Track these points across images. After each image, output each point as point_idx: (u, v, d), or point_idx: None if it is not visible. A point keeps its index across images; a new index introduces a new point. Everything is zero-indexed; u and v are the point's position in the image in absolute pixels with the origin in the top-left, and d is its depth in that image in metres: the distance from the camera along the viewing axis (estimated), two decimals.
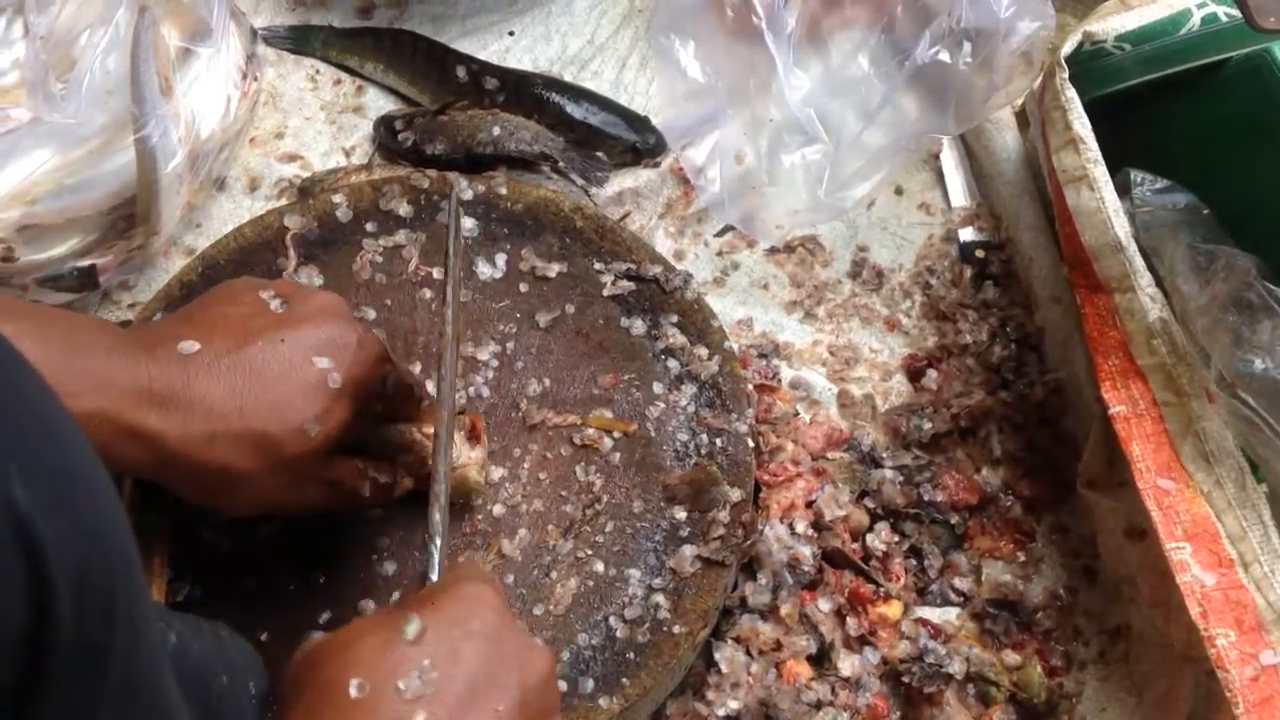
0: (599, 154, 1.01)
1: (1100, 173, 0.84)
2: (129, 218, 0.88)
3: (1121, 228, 0.83)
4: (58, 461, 0.38)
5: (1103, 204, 0.83)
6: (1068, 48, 0.88)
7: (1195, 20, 0.87)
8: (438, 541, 0.62)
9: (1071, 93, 0.86)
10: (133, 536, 0.42)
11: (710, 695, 0.80)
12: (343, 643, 0.55)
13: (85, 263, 0.87)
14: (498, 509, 0.80)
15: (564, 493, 0.81)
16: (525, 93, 1.03)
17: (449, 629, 0.54)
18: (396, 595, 0.76)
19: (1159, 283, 0.82)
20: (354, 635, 0.55)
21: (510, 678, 0.55)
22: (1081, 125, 0.85)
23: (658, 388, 0.85)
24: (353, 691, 0.51)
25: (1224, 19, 0.86)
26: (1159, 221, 0.82)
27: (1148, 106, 0.89)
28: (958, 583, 0.87)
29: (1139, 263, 0.82)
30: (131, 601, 0.41)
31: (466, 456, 0.78)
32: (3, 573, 0.35)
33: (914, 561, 0.88)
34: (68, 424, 0.39)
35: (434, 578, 0.62)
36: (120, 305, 0.94)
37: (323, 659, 0.54)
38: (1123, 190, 0.84)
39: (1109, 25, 0.88)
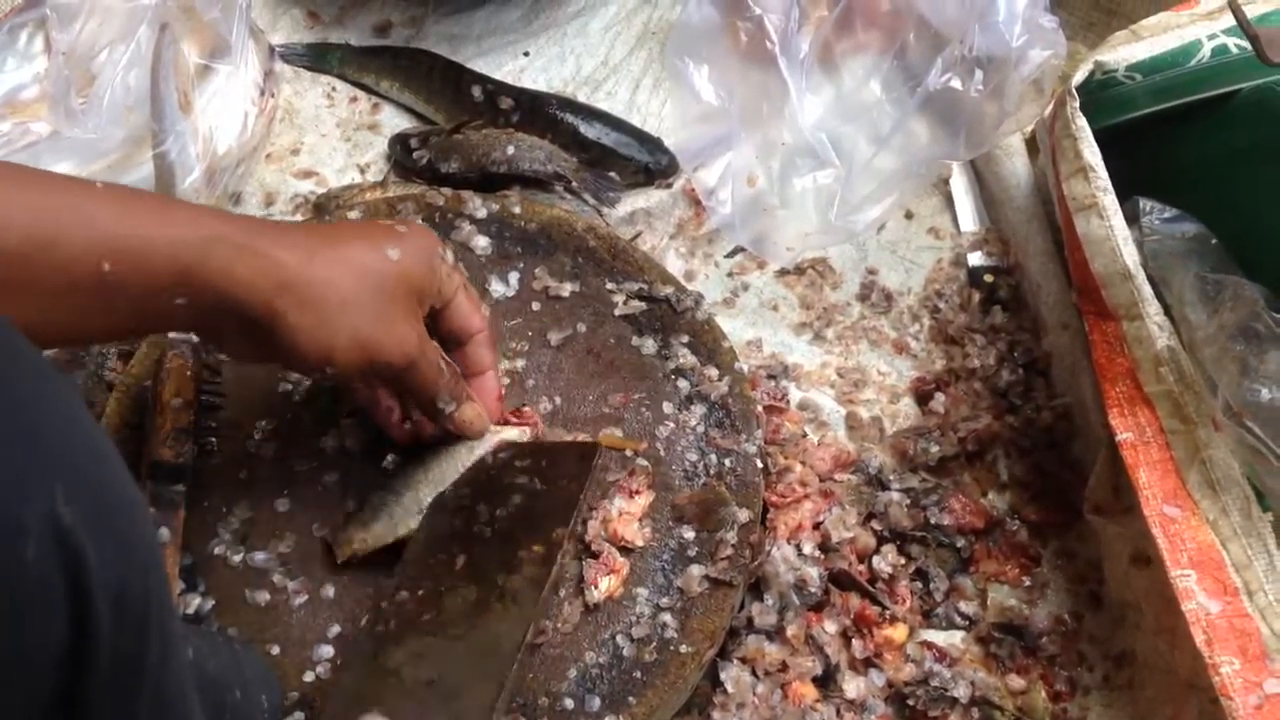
0: (612, 174, 1.02)
1: (1110, 201, 0.85)
2: None
3: (1130, 256, 0.83)
4: (99, 481, 0.39)
5: (1112, 232, 0.84)
6: (1079, 77, 0.88)
7: (1205, 51, 0.87)
8: None
9: (1082, 121, 0.86)
10: (163, 555, 0.43)
11: (716, 715, 0.80)
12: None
13: None
14: None
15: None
16: (540, 112, 1.04)
17: None
18: None
19: (1167, 311, 0.82)
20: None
21: None
22: (1091, 154, 0.86)
23: (668, 407, 0.85)
24: None
25: (1234, 51, 0.86)
26: (1167, 250, 0.83)
27: (1157, 136, 0.90)
28: (963, 606, 0.87)
29: (1147, 291, 0.82)
30: (163, 617, 0.42)
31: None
32: (47, 588, 0.36)
33: (920, 584, 0.88)
34: (107, 444, 0.40)
35: None
36: None
37: None
38: (1132, 218, 0.85)
39: (1120, 55, 0.89)
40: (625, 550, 0.79)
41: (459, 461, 0.79)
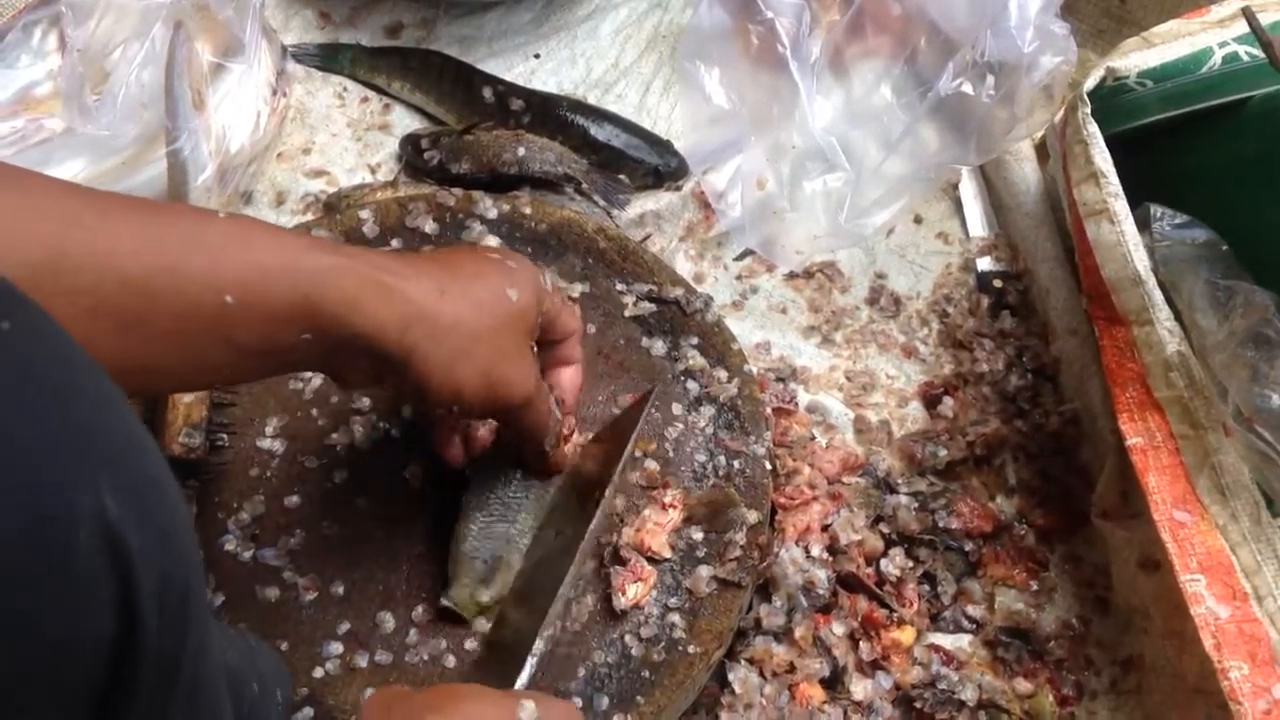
0: (621, 176, 1.02)
1: (1121, 207, 0.85)
2: None
3: (1141, 261, 0.83)
4: (139, 470, 0.39)
5: (1123, 237, 0.84)
6: (1090, 83, 0.88)
7: (1217, 59, 0.87)
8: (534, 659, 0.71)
9: (1093, 127, 0.87)
10: (199, 547, 0.43)
11: (723, 715, 0.80)
12: (448, 701, 0.61)
13: None
14: None
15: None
16: (550, 114, 1.04)
17: None
18: (419, 610, 0.77)
19: (1177, 316, 0.82)
20: (459, 698, 0.61)
21: None
22: (1103, 159, 0.86)
23: (677, 409, 0.86)
24: None
25: (1245, 58, 0.86)
26: (1178, 256, 0.83)
27: (1168, 142, 0.90)
28: (971, 610, 0.87)
29: (1158, 296, 0.82)
30: (200, 609, 0.42)
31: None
32: (95, 580, 0.36)
33: (927, 587, 0.88)
34: (147, 437, 0.40)
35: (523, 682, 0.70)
36: None
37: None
38: (1142, 224, 0.85)
39: (1131, 62, 0.89)
40: (651, 560, 0.79)
41: (546, 498, 0.80)
